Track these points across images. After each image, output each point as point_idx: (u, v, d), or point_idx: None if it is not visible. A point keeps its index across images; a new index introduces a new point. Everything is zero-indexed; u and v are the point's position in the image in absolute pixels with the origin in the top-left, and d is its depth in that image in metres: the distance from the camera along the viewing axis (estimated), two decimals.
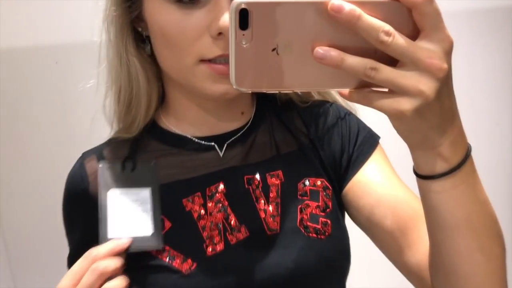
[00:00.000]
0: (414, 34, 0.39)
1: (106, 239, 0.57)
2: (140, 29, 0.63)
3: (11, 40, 1.75)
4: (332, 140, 0.69)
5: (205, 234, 0.62)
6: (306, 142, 0.68)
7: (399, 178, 0.66)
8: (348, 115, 0.71)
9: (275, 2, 0.38)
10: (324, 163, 0.68)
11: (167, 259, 0.60)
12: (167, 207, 0.62)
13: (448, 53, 0.39)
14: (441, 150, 0.44)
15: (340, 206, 0.68)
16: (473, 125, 1.55)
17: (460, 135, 0.45)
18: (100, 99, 0.70)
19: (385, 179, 0.65)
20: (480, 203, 0.48)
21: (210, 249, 0.61)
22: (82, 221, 0.65)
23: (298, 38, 0.39)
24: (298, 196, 0.65)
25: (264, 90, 0.43)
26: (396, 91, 0.39)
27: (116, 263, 0.53)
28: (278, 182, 0.65)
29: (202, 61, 0.58)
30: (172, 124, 0.69)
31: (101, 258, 0.53)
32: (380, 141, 0.70)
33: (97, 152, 0.68)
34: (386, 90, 0.40)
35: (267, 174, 0.65)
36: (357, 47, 0.39)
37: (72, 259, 0.65)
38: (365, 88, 0.41)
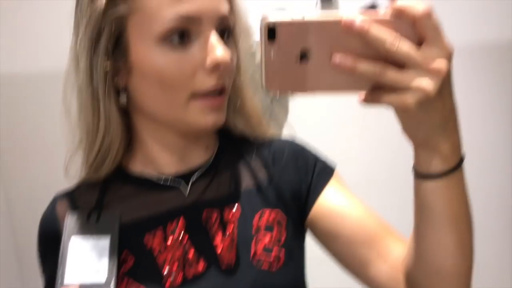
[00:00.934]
0: (418, 43, 0.46)
1: (62, 284, 0.61)
2: (115, 82, 0.65)
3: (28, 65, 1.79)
4: (290, 173, 0.73)
5: (165, 268, 0.65)
6: (264, 177, 0.72)
7: (359, 199, 0.71)
8: (303, 149, 0.76)
9: (296, 22, 0.46)
10: (281, 196, 0.71)
11: None
12: (131, 243, 0.66)
13: (448, 58, 0.46)
14: (443, 150, 0.50)
15: (298, 236, 0.72)
16: (469, 160, 1.61)
17: (459, 141, 0.51)
18: None
19: (346, 201, 0.70)
20: (466, 205, 0.55)
21: (169, 282, 0.64)
22: (53, 261, 0.67)
23: (317, 49, 0.47)
24: (253, 231, 0.68)
25: (288, 93, 0.51)
26: (402, 87, 0.46)
27: None
28: (235, 217, 0.68)
29: (194, 96, 0.62)
30: (139, 166, 0.71)
31: None
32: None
33: (68, 196, 0.72)
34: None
35: (225, 208, 0.69)
36: (369, 54, 0.46)
37: None
38: (376, 90, 0.48)
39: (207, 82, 0.61)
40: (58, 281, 0.62)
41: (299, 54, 0.47)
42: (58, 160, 1.92)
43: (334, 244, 0.69)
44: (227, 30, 0.64)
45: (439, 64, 0.45)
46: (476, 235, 0.56)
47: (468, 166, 0.52)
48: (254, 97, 0.74)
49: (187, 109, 0.63)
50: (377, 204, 0.74)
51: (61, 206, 0.71)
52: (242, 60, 0.71)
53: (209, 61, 0.60)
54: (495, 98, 1.65)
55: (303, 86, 0.48)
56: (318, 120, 1.63)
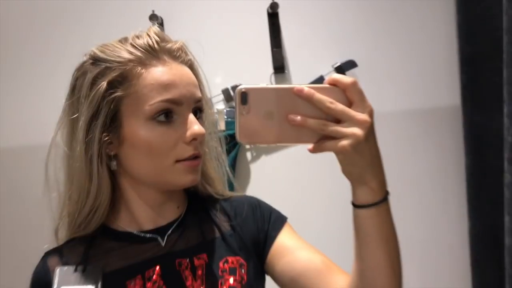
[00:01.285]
0: (348, 104, 0.63)
1: None
2: (107, 151, 0.78)
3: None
4: (249, 224, 0.87)
5: None
6: (228, 228, 0.86)
7: (307, 242, 0.85)
8: (259, 202, 0.91)
9: (262, 88, 0.63)
10: (242, 244, 0.85)
11: None
12: None
13: (370, 115, 0.62)
14: (372, 186, 0.65)
15: (258, 277, 0.85)
16: (421, 215, 1.74)
17: (384, 179, 0.67)
18: None
19: (297, 244, 0.84)
20: (393, 232, 0.69)
21: None
22: None
23: (277, 110, 0.63)
24: (220, 273, 0.80)
25: (257, 143, 0.66)
26: (339, 137, 0.61)
27: None
28: (203, 262, 0.81)
29: (178, 161, 0.76)
30: (120, 223, 0.83)
31: None
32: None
33: (58, 252, 0.82)
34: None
35: (194, 257, 0.81)
36: (314, 114, 0.62)
37: None
38: (321, 140, 0.64)
39: (188, 151, 0.76)
40: None
41: (265, 114, 0.63)
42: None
43: (288, 281, 0.81)
44: (199, 109, 0.80)
45: (365, 117, 0.61)
46: None
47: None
48: (213, 162, 0.89)
49: (172, 171, 0.76)
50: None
51: (52, 261, 0.81)
52: (207, 132, 0.85)
53: (188, 134, 0.76)
54: (439, 155, 1.77)
55: (268, 138, 0.64)
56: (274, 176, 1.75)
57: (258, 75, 1.71)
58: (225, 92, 1.65)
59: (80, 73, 0.78)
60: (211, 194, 0.89)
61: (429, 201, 1.78)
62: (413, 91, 1.73)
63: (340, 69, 1.63)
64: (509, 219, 1.33)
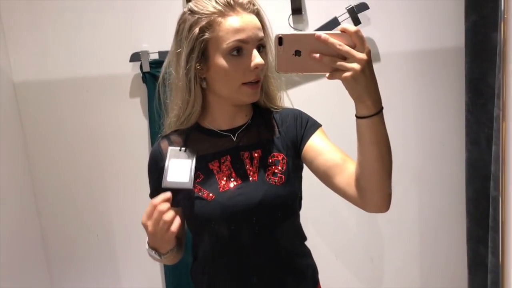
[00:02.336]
0: (353, 46, 0.86)
1: (165, 179, 1.10)
2: (200, 74, 1.09)
3: (46, 73, 2.11)
4: (291, 129, 1.17)
5: (219, 181, 1.11)
6: (277, 132, 1.17)
7: (333, 144, 1.13)
8: (301, 114, 1.20)
9: (293, 34, 0.88)
10: (285, 144, 1.15)
11: (200, 193, 1.10)
12: (201, 167, 1.12)
13: (367, 54, 0.86)
14: (368, 104, 0.89)
15: (295, 168, 1.15)
16: (422, 145, 1.93)
17: (377, 100, 0.90)
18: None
19: (324, 143, 1.13)
20: (384, 135, 0.94)
21: (221, 188, 1.10)
22: (156, 174, 1.14)
23: (304, 49, 0.88)
24: (268, 163, 1.13)
25: (290, 73, 0.92)
26: (344, 69, 0.86)
27: (166, 205, 0.98)
28: (258, 155, 1.13)
29: (243, 84, 1.06)
30: (207, 122, 1.17)
31: (158, 203, 0.98)
32: None
33: (167, 138, 1.18)
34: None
35: (252, 151, 1.14)
36: (329, 52, 0.86)
37: (152, 195, 1.17)
38: (333, 71, 0.88)
39: (251, 76, 1.05)
40: (163, 180, 1.09)
41: (295, 52, 0.88)
42: (83, 164, 2.28)
43: (314, 167, 1.11)
44: (261, 46, 1.07)
45: (362, 56, 0.86)
46: None
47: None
48: (275, 83, 1.19)
49: (239, 91, 1.07)
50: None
51: (163, 144, 1.17)
52: (271, 60, 1.12)
53: (252, 64, 1.04)
54: (439, 94, 1.93)
55: (298, 69, 0.90)
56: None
57: (278, 17, 1.87)
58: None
59: (182, 20, 1.08)
60: (269, 107, 1.20)
61: (430, 133, 1.95)
62: (420, 33, 1.86)
63: (353, 11, 1.77)
64: (495, 149, 1.50)
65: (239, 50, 1.03)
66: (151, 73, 2.00)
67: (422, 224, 2.04)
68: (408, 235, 2.06)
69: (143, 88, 2.06)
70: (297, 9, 1.82)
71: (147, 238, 1.06)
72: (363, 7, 1.78)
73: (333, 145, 1.12)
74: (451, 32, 1.84)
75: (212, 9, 1.04)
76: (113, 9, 2.03)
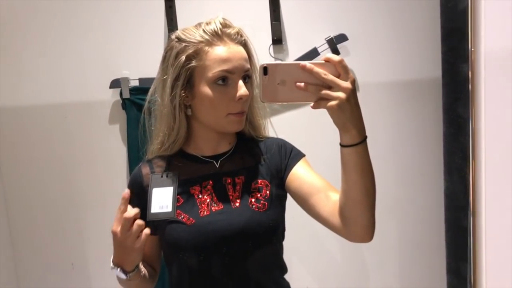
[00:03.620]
0: (337, 75, 0.87)
1: (150, 212, 1.08)
2: (185, 101, 1.10)
3: (25, 98, 2.09)
4: (275, 158, 1.18)
5: (200, 206, 1.09)
6: (261, 160, 1.17)
7: (316, 173, 1.13)
8: (285, 143, 1.21)
9: (278, 63, 0.89)
10: (269, 171, 1.16)
11: (180, 218, 1.08)
12: (182, 191, 1.11)
13: (352, 83, 0.87)
14: (353, 133, 0.90)
15: (278, 196, 1.14)
16: (401, 175, 1.95)
17: (362, 129, 0.91)
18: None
19: (307, 173, 1.13)
20: (368, 164, 0.94)
21: (202, 213, 1.08)
22: (136, 197, 1.09)
23: (289, 78, 0.88)
24: (251, 189, 1.13)
25: (275, 103, 0.92)
26: (330, 98, 0.86)
27: (134, 212, 0.98)
28: (241, 181, 1.13)
29: (229, 114, 1.07)
30: (191, 149, 1.17)
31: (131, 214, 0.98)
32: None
33: (148, 163, 1.18)
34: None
35: (235, 177, 1.14)
36: (314, 82, 0.87)
37: None
38: (318, 100, 0.88)
39: (237, 107, 1.06)
40: (148, 213, 1.07)
41: (280, 81, 0.88)
42: (59, 191, 2.22)
43: (298, 196, 1.11)
44: (247, 77, 1.08)
45: (347, 85, 0.86)
46: None
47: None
48: (260, 113, 1.20)
49: (225, 121, 1.07)
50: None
51: (144, 168, 1.17)
52: (256, 91, 1.14)
53: (237, 95, 1.05)
54: (418, 124, 1.95)
55: (282, 98, 0.90)
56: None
57: (259, 46, 1.87)
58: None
59: (169, 48, 1.10)
60: (253, 136, 1.21)
61: (409, 163, 1.97)
62: (397, 64, 1.90)
63: (332, 42, 1.80)
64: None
65: (224, 80, 1.04)
66: (131, 100, 2.00)
67: (401, 254, 2.04)
68: (387, 265, 2.06)
69: (123, 114, 2.04)
70: (278, 39, 1.85)
71: (112, 255, 1.05)
72: (342, 38, 1.82)
73: (317, 175, 1.12)
74: (430, 63, 1.88)
75: (200, 38, 1.05)
76: (93, 35, 2.03)
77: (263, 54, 1.87)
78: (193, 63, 1.05)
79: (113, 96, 2.05)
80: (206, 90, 1.05)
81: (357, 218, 0.97)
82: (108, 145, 2.10)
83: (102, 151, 2.10)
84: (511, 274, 1.15)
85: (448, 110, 1.75)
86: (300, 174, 1.12)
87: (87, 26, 2.02)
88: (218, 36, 1.05)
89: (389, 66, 1.91)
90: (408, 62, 1.90)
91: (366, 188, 0.95)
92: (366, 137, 0.92)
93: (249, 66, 1.08)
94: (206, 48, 1.05)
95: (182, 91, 1.07)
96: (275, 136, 1.24)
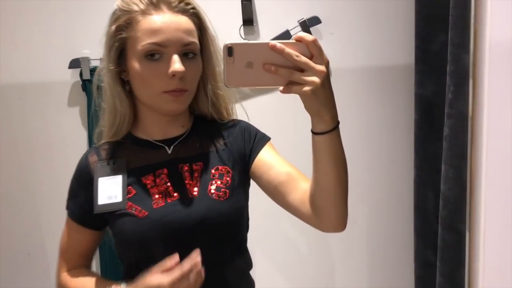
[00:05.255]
0: (310, 57, 0.78)
1: (97, 204, 1.00)
2: (123, 76, 1.00)
3: None
4: (238, 142, 1.08)
5: (153, 197, 0.99)
6: (222, 145, 1.07)
7: (283, 158, 1.05)
8: (249, 126, 1.12)
9: (244, 43, 0.78)
10: (231, 157, 1.06)
11: (131, 210, 0.98)
12: (133, 182, 1.01)
13: (326, 66, 0.79)
14: (326, 119, 0.83)
15: (241, 183, 1.06)
16: (371, 163, 1.92)
17: (335, 115, 0.84)
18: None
19: (273, 157, 1.05)
20: (341, 152, 0.88)
21: (155, 205, 0.99)
22: (83, 189, 1.04)
23: (256, 60, 0.78)
24: (211, 177, 1.03)
25: (241, 87, 0.83)
26: (302, 83, 0.78)
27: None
28: (199, 168, 1.03)
29: (164, 92, 0.95)
30: (140, 132, 1.06)
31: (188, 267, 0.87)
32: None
33: (96, 150, 1.07)
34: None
35: (193, 164, 1.04)
36: (284, 64, 0.78)
37: (74, 213, 1.07)
38: (289, 84, 0.80)
39: (171, 85, 0.94)
40: (94, 205, 1.00)
41: (246, 64, 0.78)
42: (13, 176, 2.09)
43: (264, 183, 1.03)
44: (190, 52, 0.96)
45: (322, 68, 0.78)
46: None
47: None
48: (223, 93, 1.08)
49: (160, 99, 0.95)
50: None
51: (91, 157, 1.06)
52: (216, 69, 1.04)
53: (169, 71, 0.93)
54: (392, 110, 1.92)
55: (249, 82, 0.81)
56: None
57: (228, 26, 1.80)
58: None
59: (109, 19, 0.99)
60: (215, 119, 1.10)
61: (379, 150, 1.94)
62: (372, 49, 1.85)
63: (305, 24, 1.74)
64: (445, 167, 1.50)
65: (154, 54, 0.93)
66: (92, 81, 1.88)
67: (370, 241, 2.03)
68: (357, 253, 2.04)
69: (83, 96, 1.93)
70: (249, 20, 1.77)
71: None
72: (315, 21, 1.76)
73: (284, 160, 1.05)
74: (402, 50, 1.85)
75: (134, 7, 0.94)
76: (51, 11, 1.90)
77: (233, 35, 1.79)
78: (124, 34, 0.95)
79: (72, 77, 1.94)
80: (136, 65, 0.94)
81: (330, 208, 0.91)
82: (67, 129, 1.99)
83: (60, 135, 1.99)
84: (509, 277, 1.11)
85: (420, 98, 1.73)
86: (267, 160, 1.04)
87: (44, 0, 1.88)
88: (153, 4, 0.94)
89: (362, 51, 1.86)
90: (382, 47, 1.86)
91: (339, 176, 0.89)
92: (338, 123, 0.85)
93: (191, 39, 0.95)
94: (139, 17, 0.93)
95: (114, 65, 0.97)
96: (239, 119, 1.14)
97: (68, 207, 1.08)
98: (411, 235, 1.86)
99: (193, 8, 0.98)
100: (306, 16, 1.77)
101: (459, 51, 1.34)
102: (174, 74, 0.92)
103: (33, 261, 2.08)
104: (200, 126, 1.09)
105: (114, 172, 1.01)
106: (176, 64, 0.92)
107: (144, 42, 0.92)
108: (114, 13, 0.98)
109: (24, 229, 2.05)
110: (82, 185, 1.04)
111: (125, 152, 1.04)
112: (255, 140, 1.08)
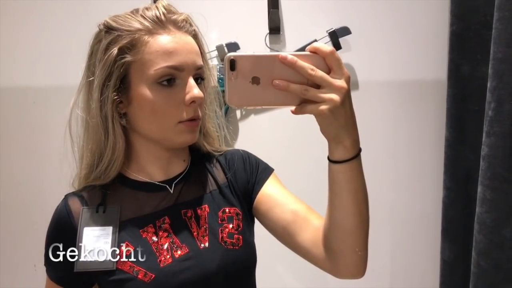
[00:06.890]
0: (328, 71, 0.67)
1: (78, 261, 0.84)
2: (118, 109, 0.85)
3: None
4: (240, 175, 0.96)
5: (157, 253, 0.85)
6: (224, 180, 0.95)
7: (290, 192, 0.94)
8: (248, 156, 1.00)
9: (249, 55, 0.66)
10: (236, 194, 0.94)
11: (133, 273, 0.84)
12: (129, 236, 0.86)
13: (347, 81, 0.67)
14: (346, 145, 0.71)
15: (249, 223, 0.94)
16: (398, 182, 1.82)
17: (357, 140, 0.72)
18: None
19: (279, 192, 0.93)
20: (363, 185, 0.76)
21: (162, 263, 0.84)
22: (64, 241, 0.87)
23: (263, 75, 0.67)
24: (219, 221, 0.90)
25: (245, 107, 0.71)
26: (319, 101, 0.66)
27: None
28: (205, 213, 0.90)
29: (179, 122, 0.83)
30: (135, 173, 0.92)
31: None
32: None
33: (78, 195, 0.91)
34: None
35: (197, 208, 0.91)
36: (297, 79, 0.66)
37: (50, 269, 0.92)
38: (303, 103, 0.68)
39: (188, 113, 0.83)
40: (76, 262, 0.85)
41: (252, 79, 0.66)
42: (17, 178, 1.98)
43: (270, 222, 0.91)
44: (200, 77, 0.86)
45: (342, 83, 0.66)
46: None
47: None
48: (215, 122, 0.98)
49: (174, 131, 0.83)
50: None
51: (73, 203, 0.89)
52: (211, 96, 0.94)
53: (187, 97, 0.82)
54: (419, 127, 1.83)
55: (255, 102, 0.68)
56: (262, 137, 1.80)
57: (254, 34, 1.74)
58: (220, 48, 1.66)
59: (96, 40, 0.85)
60: (209, 151, 0.98)
61: (407, 168, 1.86)
62: (402, 62, 1.78)
63: (334, 35, 1.66)
64: (481, 189, 1.41)
65: (170, 79, 0.81)
66: None
67: (393, 263, 1.93)
68: (379, 274, 1.94)
69: None
70: (275, 28, 1.70)
71: None
72: (345, 31, 1.68)
73: (291, 194, 0.93)
74: (434, 64, 1.77)
75: (137, 25, 0.82)
76: (67, 15, 1.84)
77: (259, 44, 1.72)
78: (128, 57, 0.81)
79: None
80: (146, 92, 0.81)
81: (347, 251, 0.78)
82: None
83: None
84: None
85: (452, 114, 1.66)
86: (272, 195, 0.92)
87: (60, 2, 1.83)
88: (161, 23, 0.82)
89: (392, 64, 1.78)
90: (412, 61, 1.78)
91: (360, 213, 0.76)
92: (360, 149, 0.73)
93: (201, 62, 0.85)
94: (146, 37, 0.81)
95: (114, 94, 0.82)
96: (233, 148, 1.01)
97: (46, 264, 0.92)
98: (437, 262, 1.77)
99: (194, 29, 0.88)
100: (335, 26, 1.69)
101: (502, 66, 1.27)
102: (194, 100, 0.82)
103: (39, 273, 1.99)
104: (197, 160, 0.98)
105: (104, 222, 0.86)
106: (195, 89, 0.82)
107: (158, 66, 0.80)
108: (106, 33, 0.84)
109: (30, 240, 1.97)
110: (63, 237, 0.88)
111: (116, 198, 0.89)
112: (257, 172, 0.97)
